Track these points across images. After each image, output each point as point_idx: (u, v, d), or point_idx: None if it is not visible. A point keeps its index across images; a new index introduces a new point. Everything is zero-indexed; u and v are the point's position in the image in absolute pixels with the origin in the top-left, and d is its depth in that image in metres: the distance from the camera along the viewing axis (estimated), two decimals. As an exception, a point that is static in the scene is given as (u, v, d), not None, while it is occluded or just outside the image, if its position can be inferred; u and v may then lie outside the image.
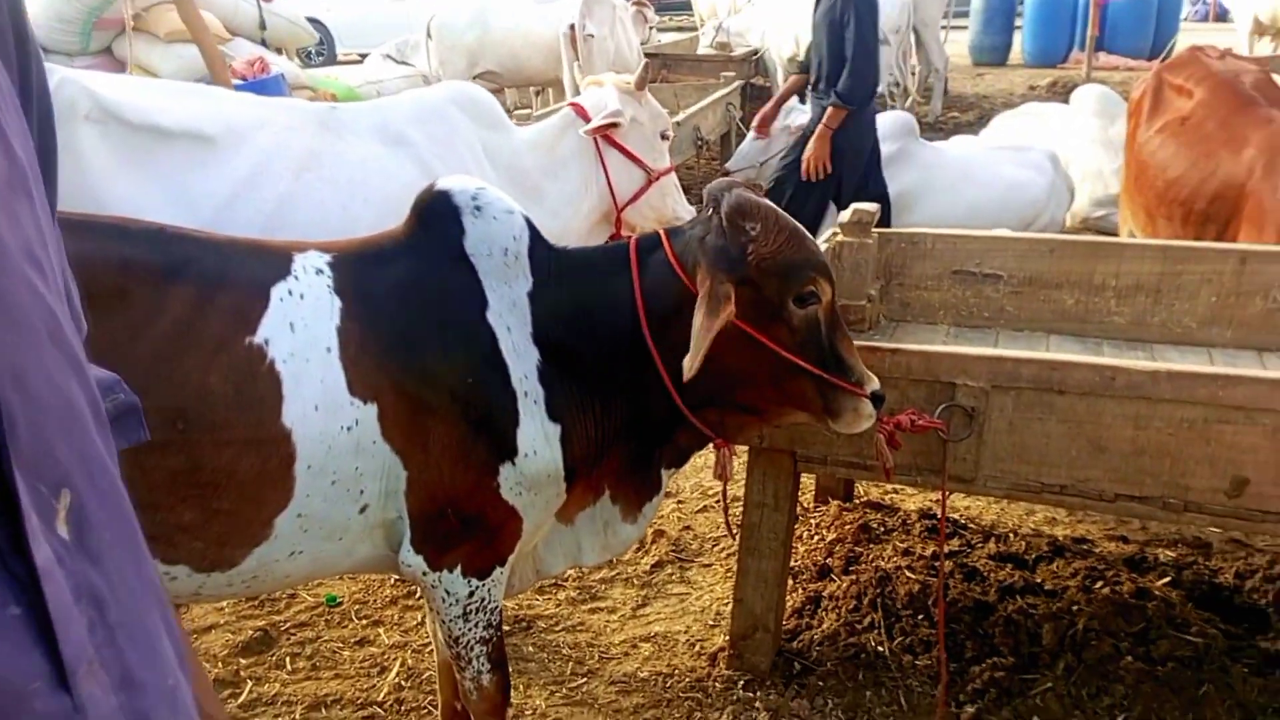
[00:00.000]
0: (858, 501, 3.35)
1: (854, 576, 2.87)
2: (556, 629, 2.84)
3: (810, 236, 1.97)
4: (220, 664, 2.68)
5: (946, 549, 2.96)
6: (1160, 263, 2.97)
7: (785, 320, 1.88)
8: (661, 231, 1.99)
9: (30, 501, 0.46)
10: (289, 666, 2.70)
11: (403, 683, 2.62)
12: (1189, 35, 12.51)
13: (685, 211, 3.75)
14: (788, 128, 5.78)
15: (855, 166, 4.99)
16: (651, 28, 11.91)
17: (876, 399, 1.98)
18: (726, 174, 6.07)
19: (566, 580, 3.02)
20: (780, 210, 1.94)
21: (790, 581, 2.87)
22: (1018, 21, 14.21)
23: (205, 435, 1.73)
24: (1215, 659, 2.50)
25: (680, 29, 13.21)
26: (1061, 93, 9.51)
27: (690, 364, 1.78)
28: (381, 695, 2.58)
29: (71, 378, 0.53)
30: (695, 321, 1.79)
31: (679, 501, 3.47)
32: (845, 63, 4.76)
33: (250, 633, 2.79)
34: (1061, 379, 2.24)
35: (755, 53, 9.78)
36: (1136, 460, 2.22)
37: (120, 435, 0.73)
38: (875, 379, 1.99)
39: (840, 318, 1.98)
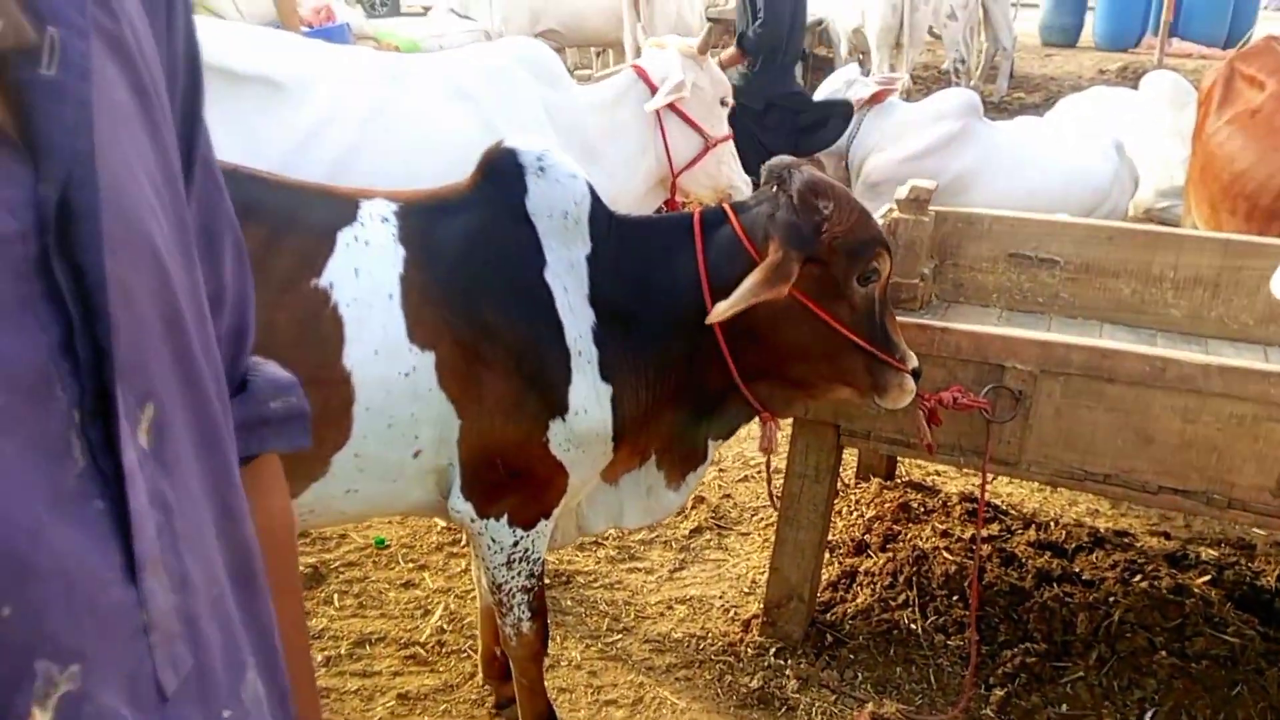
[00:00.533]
0: (899, 481, 3.36)
1: (891, 554, 2.89)
2: (595, 585, 2.90)
3: (872, 215, 1.98)
4: (270, 597, 2.78)
5: (986, 533, 2.96)
6: (1221, 256, 2.92)
7: (848, 298, 1.92)
8: (727, 206, 2.02)
9: (123, 407, 0.49)
10: (337, 603, 2.79)
11: (445, 625, 2.70)
12: (1268, 24, 12.13)
13: (741, 180, 3.74)
14: (847, 100, 5.72)
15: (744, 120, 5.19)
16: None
17: (915, 375, 2.02)
18: (783, 145, 6.03)
19: (606, 539, 3.07)
20: (848, 190, 1.96)
21: (827, 555, 2.89)
22: (1090, 3, 13.83)
23: None
24: (1251, 660, 2.49)
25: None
26: (1131, 78, 9.26)
27: (721, 311, 1.82)
28: (424, 636, 2.66)
29: (177, 296, 0.55)
30: (747, 281, 1.83)
31: (720, 470, 3.50)
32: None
33: (301, 569, 2.87)
34: (1112, 367, 2.23)
35: (819, 23, 9.64)
36: (1183, 454, 2.20)
37: (284, 438, 0.77)
38: (914, 355, 2.01)
39: (888, 294, 2.00)
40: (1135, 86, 6.88)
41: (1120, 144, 5.55)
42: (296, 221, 1.89)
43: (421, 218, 1.97)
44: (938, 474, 3.42)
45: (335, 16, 7.15)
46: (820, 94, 5.86)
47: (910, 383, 2.00)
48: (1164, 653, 2.49)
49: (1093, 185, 5.35)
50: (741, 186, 3.71)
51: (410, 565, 2.96)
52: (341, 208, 1.94)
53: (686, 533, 3.15)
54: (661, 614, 2.78)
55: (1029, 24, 13.45)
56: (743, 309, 1.83)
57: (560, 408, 1.93)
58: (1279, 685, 2.42)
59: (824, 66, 7.95)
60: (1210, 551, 3.00)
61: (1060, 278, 3.18)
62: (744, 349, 1.97)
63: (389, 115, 3.11)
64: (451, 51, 3.90)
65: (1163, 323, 3.00)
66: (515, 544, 2.03)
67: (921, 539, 2.94)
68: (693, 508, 3.25)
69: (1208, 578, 2.81)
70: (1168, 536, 3.10)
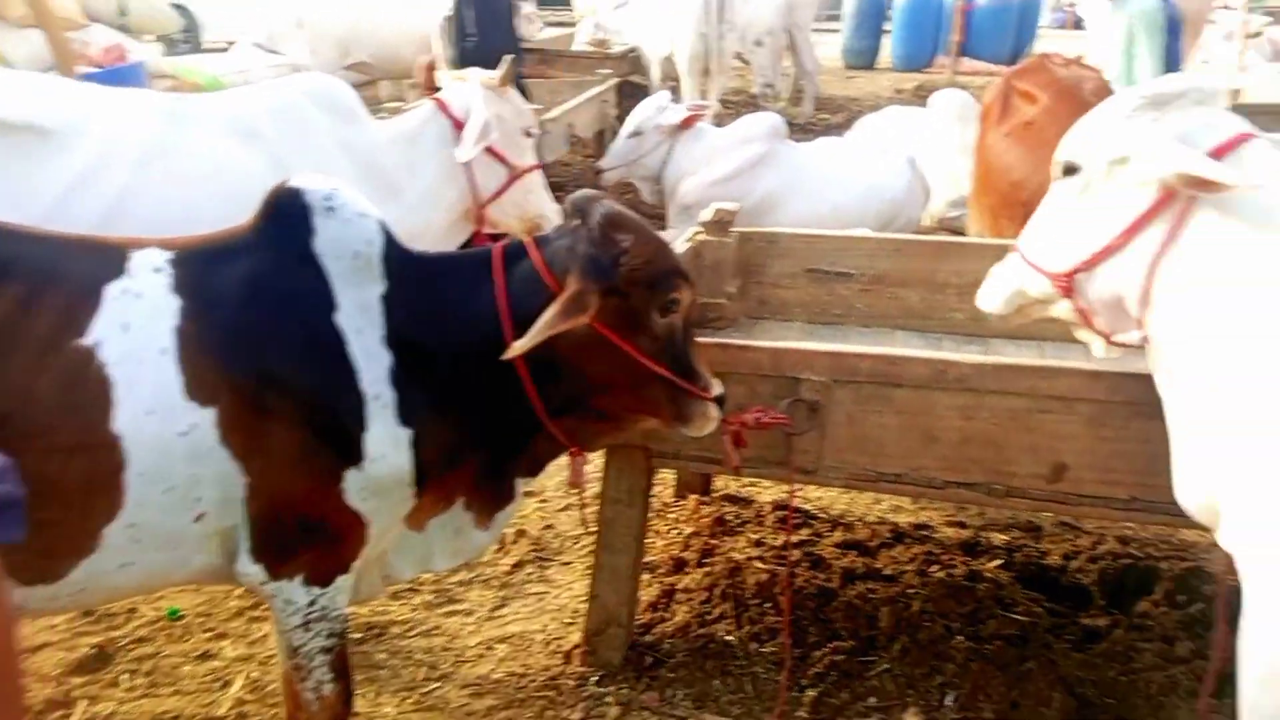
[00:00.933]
0: (715, 495, 3.43)
1: (708, 569, 2.95)
2: (410, 634, 2.81)
3: (673, 247, 2.04)
4: (52, 684, 2.57)
5: (796, 539, 3.07)
6: (998, 261, 3.13)
7: (648, 329, 1.95)
8: (528, 240, 2.02)
9: None
10: (125, 685, 2.60)
11: (246, 696, 2.55)
12: (1046, 42, 13.15)
13: (550, 210, 3.76)
14: (659, 126, 5.86)
15: None
16: (534, 23, 11.84)
17: (720, 402, 2.06)
18: (599, 172, 6.11)
19: (422, 584, 2.99)
20: (646, 223, 2.00)
21: (647, 576, 2.93)
22: (887, 26, 14.67)
23: (29, 442, 1.67)
24: (1040, 636, 2.66)
25: (561, 24, 13.20)
26: (925, 97, 9.81)
27: (520, 346, 1.82)
28: (223, 710, 2.51)
29: None
30: (545, 313, 1.83)
31: (542, 500, 3.48)
32: None
33: (85, 650, 2.68)
34: (897, 373, 2.34)
35: (633, 50, 9.84)
36: (965, 449, 2.33)
37: None
38: (719, 383, 2.06)
39: (691, 325, 2.05)
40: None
41: (912, 159, 5.89)
42: (58, 277, 1.79)
43: (198, 265, 1.89)
44: (752, 485, 3.51)
45: (127, 55, 6.82)
46: (632, 120, 5.98)
47: (714, 411, 2.05)
48: (960, 637, 2.62)
49: (888, 199, 5.66)
50: (551, 216, 3.73)
51: (207, 635, 2.79)
52: (109, 259, 1.85)
53: (507, 568, 3.11)
54: (481, 656, 2.72)
55: (832, 48, 14.13)
56: (542, 342, 1.83)
57: (355, 456, 1.88)
58: (1066, 657, 2.60)
59: (638, 93, 8.08)
60: (1001, 536, 3.19)
61: (855, 289, 3.33)
62: (548, 384, 1.97)
63: (167, 157, 2.97)
64: (237, 88, 3.78)
65: (949, 326, 3.17)
66: (312, 604, 1.96)
67: (737, 550, 3.01)
68: (513, 542, 3.22)
69: (999, 562, 2.99)
70: (963, 525, 3.27)
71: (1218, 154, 1.75)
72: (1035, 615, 2.73)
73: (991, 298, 2.22)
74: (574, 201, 2.00)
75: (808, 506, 3.36)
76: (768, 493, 3.46)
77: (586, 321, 1.86)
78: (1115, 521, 3.05)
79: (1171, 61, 6.40)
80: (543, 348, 1.86)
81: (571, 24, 12.03)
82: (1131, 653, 2.62)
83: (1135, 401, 2.09)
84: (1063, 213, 2.01)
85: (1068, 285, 1.99)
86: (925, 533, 3.20)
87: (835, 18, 14.90)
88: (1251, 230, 1.71)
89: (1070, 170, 1.99)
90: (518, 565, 3.14)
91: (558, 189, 6.99)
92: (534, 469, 2.18)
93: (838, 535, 3.14)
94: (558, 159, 6.87)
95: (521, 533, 3.28)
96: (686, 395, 2.01)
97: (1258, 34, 11.99)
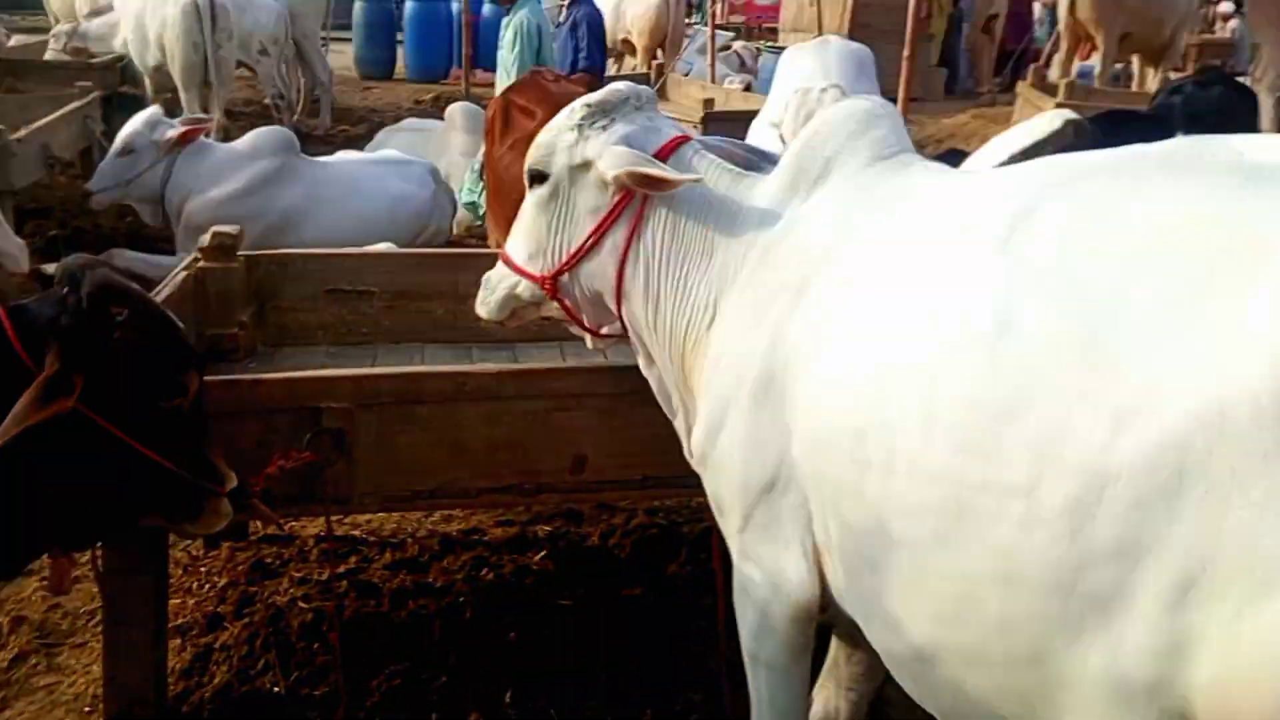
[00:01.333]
0: (253, 537, 3.22)
1: (247, 619, 2.76)
2: (-126, 771, 2.33)
3: (180, 325, 1.86)
4: None
5: (343, 568, 2.99)
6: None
7: (148, 417, 1.76)
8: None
9: None
10: None
11: None
12: (552, 55, 13.97)
13: (12, 245, 3.29)
14: (154, 142, 5.37)
15: None
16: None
17: (237, 495, 1.93)
18: (88, 195, 5.46)
19: (-113, 708, 2.48)
20: (150, 296, 1.80)
21: (177, 640, 2.68)
22: (401, 36, 14.72)
23: None
24: (585, 615, 2.83)
25: (33, 31, 11.57)
26: (445, 107, 10.03)
27: None
28: None
29: None
30: (18, 404, 1.58)
31: (42, 579, 3.02)
32: None
33: None
34: (419, 390, 2.35)
35: (120, 59, 8.88)
36: (493, 455, 2.40)
37: None
38: (234, 476, 1.93)
39: (204, 413, 1.89)
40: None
41: (434, 169, 5.99)
42: None
43: None
44: (294, 518, 3.34)
45: None
46: (121, 137, 5.42)
47: (226, 505, 1.92)
48: (512, 634, 2.72)
49: (414, 210, 5.69)
50: (14, 252, 3.27)
51: None
52: None
53: (6, 663, 2.68)
54: (-24, 776, 2.33)
55: (345, 58, 13.88)
56: (9, 436, 1.57)
57: None
58: (609, 629, 2.79)
59: (133, 106, 7.31)
60: (545, 528, 3.36)
61: (379, 307, 3.30)
62: (23, 476, 1.69)
63: None
64: None
65: (475, 336, 3.24)
66: None
67: (280, 593, 2.86)
68: (11, 632, 2.78)
69: (544, 553, 3.15)
70: (511, 523, 3.39)
71: (661, 155, 1.96)
72: (579, 597, 2.90)
73: (486, 304, 2.30)
74: (65, 267, 1.78)
75: (356, 532, 3.28)
76: (313, 525, 3.31)
77: (67, 408, 1.64)
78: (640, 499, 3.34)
79: (592, 63, 7.13)
80: (14, 441, 1.60)
81: (45, 30, 10.57)
82: (664, 614, 2.89)
83: (637, 391, 2.27)
84: (538, 219, 2.12)
85: (552, 287, 2.12)
86: (475, 537, 3.26)
87: (346, 26, 14.63)
88: (691, 223, 1.93)
89: (539, 178, 2.10)
90: (19, 657, 2.71)
91: (42, 215, 6.19)
92: (11, 571, 1.88)
93: (387, 556, 3.10)
94: (36, 182, 6.02)
95: (20, 619, 2.84)
96: (195, 489, 1.86)
97: (727, 48, 13.84)
